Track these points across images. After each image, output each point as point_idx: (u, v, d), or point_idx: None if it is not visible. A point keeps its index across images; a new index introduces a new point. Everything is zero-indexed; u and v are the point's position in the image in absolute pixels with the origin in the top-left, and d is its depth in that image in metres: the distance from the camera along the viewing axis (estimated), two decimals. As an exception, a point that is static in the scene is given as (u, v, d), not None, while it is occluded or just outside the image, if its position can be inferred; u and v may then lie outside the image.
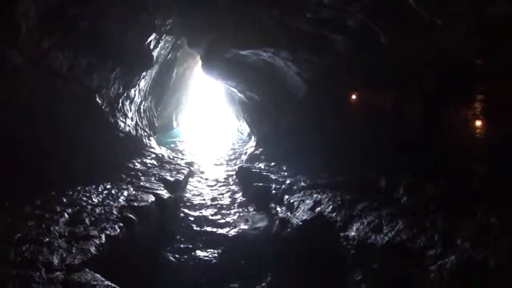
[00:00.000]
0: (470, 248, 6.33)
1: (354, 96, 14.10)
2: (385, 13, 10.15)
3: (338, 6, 11.31)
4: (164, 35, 20.43)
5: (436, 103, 10.43)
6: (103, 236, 8.99)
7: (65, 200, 10.89)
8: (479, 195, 8.48)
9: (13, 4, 10.31)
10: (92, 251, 8.22)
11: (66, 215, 9.77)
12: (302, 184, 13.60)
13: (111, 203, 11.47)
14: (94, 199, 11.46)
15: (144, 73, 19.17)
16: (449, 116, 10.13)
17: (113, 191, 12.62)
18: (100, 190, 12.48)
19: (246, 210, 15.51)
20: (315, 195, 11.79)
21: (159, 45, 20.60)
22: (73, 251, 7.96)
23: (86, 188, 12.30)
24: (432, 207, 8.59)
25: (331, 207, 10.48)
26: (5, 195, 10.14)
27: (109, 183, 13.35)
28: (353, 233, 8.92)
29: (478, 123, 9.49)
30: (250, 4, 14.69)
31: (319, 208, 10.81)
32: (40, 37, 11.45)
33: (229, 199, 16.94)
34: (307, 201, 11.66)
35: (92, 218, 9.89)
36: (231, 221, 14.62)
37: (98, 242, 8.62)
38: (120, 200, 11.92)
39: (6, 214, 9.28)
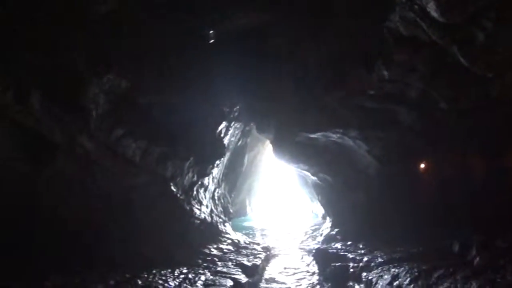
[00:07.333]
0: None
1: (422, 165, 14.05)
2: (441, 78, 10.47)
3: (398, 79, 11.61)
4: (233, 122, 21.01)
5: (495, 156, 10.61)
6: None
7: (140, 282, 10.96)
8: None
9: (81, 91, 11.10)
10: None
11: (142, 297, 9.79)
12: (379, 260, 13.38)
13: (189, 287, 11.51)
14: (170, 283, 11.48)
15: (217, 162, 19.64)
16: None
17: (189, 276, 12.62)
18: (176, 274, 12.49)
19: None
20: (392, 270, 11.72)
21: (229, 132, 21.17)
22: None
23: (162, 272, 12.33)
24: (502, 261, 8.79)
25: (408, 279, 10.48)
26: (78, 273, 10.41)
27: (185, 268, 13.34)
28: (431, 302, 8.91)
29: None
30: (313, 87, 15.10)
31: (397, 282, 10.77)
32: (112, 125, 12.09)
33: (307, 282, 16.65)
34: (385, 276, 11.57)
35: (170, 302, 9.91)
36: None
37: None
38: (198, 284, 11.94)
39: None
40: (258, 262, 17.16)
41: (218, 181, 23.07)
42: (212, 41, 16.13)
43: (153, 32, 13.05)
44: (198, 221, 18.43)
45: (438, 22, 8.96)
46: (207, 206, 20.16)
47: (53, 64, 10.67)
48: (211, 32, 15.96)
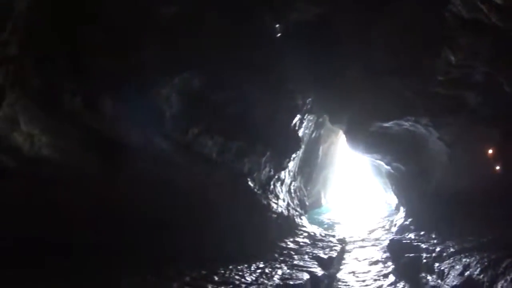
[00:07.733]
0: None
1: (490, 151, 13.77)
2: (504, 60, 10.67)
3: (463, 63, 11.54)
4: (306, 115, 21.20)
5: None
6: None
7: (216, 278, 11.09)
8: None
9: (154, 92, 11.39)
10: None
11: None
12: (451, 250, 13.36)
13: (266, 281, 11.62)
14: (247, 278, 11.64)
15: (293, 155, 19.80)
16: None
17: (266, 270, 12.77)
18: (252, 269, 12.63)
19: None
20: (463, 260, 11.78)
21: (303, 125, 21.37)
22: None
23: (238, 267, 12.45)
24: None
25: (479, 269, 10.55)
26: (153, 272, 10.52)
27: (262, 262, 13.51)
28: (498, 292, 9.15)
29: None
30: (382, 75, 15.04)
31: (468, 272, 10.86)
32: (187, 123, 12.36)
33: (382, 274, 16.63)
34: (457, 267, 11.64)
35: (246, 298, 10.03)
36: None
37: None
38: (275, 279, 12.05)
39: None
40: (334, 254, 17.33)
41: (294, 174, 23.25)
42: (279, 34, 16.28)
43: (223, 30, 13.10)
44: (275, 215, 18.66)
45: (497, 4, 8.84)
46: (283, 200, 20.38)
47: (123, 67, 10.69)
48: (277, 25, 16.10)
